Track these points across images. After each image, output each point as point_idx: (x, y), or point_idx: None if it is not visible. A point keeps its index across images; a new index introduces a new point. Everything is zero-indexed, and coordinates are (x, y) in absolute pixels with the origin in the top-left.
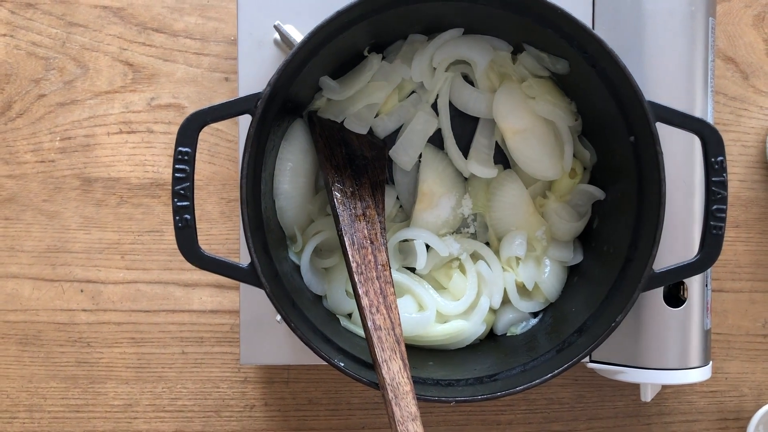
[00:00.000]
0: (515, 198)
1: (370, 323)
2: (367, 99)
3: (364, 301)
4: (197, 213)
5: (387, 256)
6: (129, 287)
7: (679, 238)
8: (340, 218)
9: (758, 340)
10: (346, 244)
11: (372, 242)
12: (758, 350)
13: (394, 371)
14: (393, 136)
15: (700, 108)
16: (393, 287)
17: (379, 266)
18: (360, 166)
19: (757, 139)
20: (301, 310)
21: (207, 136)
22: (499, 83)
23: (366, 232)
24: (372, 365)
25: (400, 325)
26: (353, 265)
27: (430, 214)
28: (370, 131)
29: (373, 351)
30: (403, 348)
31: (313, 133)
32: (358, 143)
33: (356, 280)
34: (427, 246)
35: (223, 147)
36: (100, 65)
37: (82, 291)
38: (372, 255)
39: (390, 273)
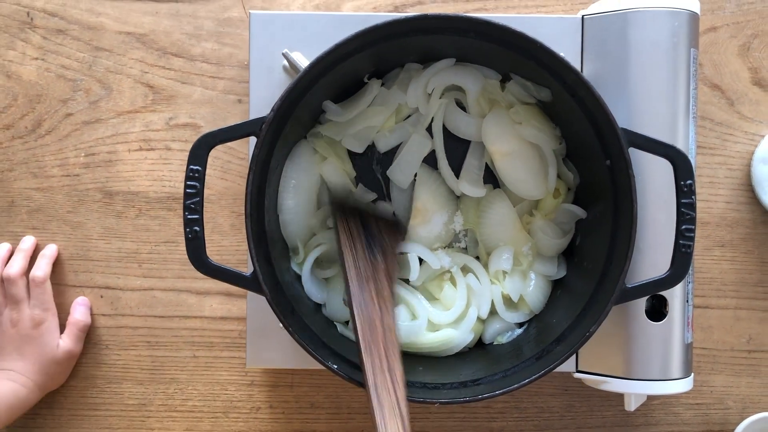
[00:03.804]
0: (503, 216)
1: (371, 382)
2: (367, 122)
3: (367, 364)
4: (210, 226)
5: (394, 319)
6: (145, 294)
7: (662, 255)
8: (350, 280)
9: (742, 355)
10: (354, 306)
11: (380, 307)
12: (742, 365)
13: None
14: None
15: (682, 134)
16: (398, 350)
17: (386, 329)
18: (375, 238)
19: (742, 163)
20: (300, 316)
21: (220, 153)
22: (489, 109)
23: (374, 294)
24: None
25: (403, 386)
26: (359, 331)
27: (423, 229)
28: (394, 215)
29: (372, 411)
30: (405, 409)
31: (334, 216)
32: (376, 225)
33: (361, 344)
34: (421, 259)
35: (236, 164)
36: (123, 87)
37: (101, 297)
38: (379, 318)
39: (395, 337)
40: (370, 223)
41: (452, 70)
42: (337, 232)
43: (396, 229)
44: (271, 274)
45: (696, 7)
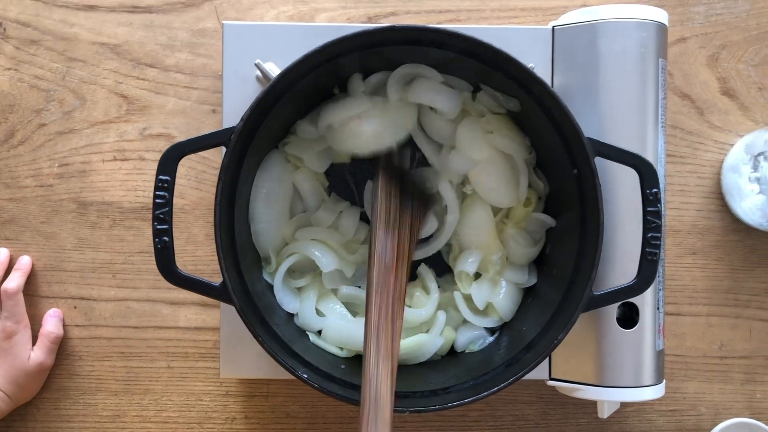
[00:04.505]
0: (482, 220)
1: (373, 321)
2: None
3: (375, 303)
4: (184, 236)
5: (407, 276)
6: (119, 304)
7: (631, 263)
8: (378, 222)
9: (714, 361)
10: (375, 245)
11: (398, 258)
12: (714, 371)
13: (380, 375)
14: None
15: (651, 143)
16: (403, 306)
17: (398, 282)
18: (408, 197)
19: (712, 171)
20: (271, 326)
21: (195, 164)
22: (461, 119)
23: (396, 244)
24: (334, 378)
25: (399, 339)
26: (375, 271)
27: None
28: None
29: (366, 349)
30: (396, 362)
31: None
32: (412, 187)
33: (373, 284)
34: None
35: (210, 174)
36: (96, 97)
37: (75, 307)
38: (394, 268)
39: (404, 294)
40: (408, 183)
41: (430, 87)
42: (378, 178)
43: (428, 199)
44: (241, 283)
45: (664, 19)
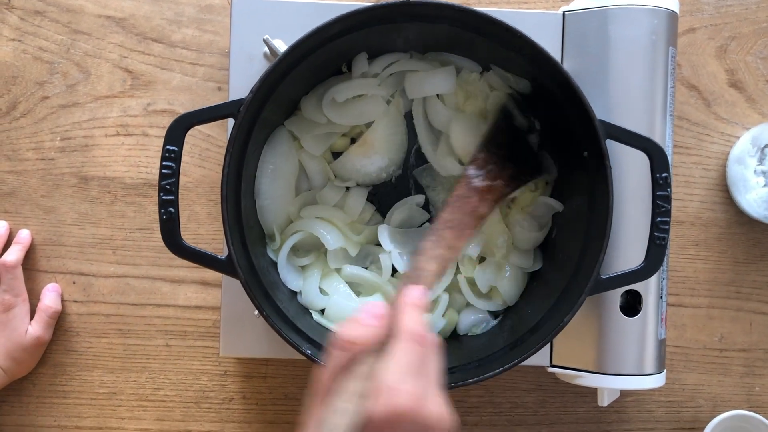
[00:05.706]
0: None
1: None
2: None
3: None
4: (187, 213)
5: (485, 215)
6: (119, 281)
7: (636, 252)
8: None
9: (714, 354)
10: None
11: (484, 192)
12: (714, 363)
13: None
14: None
15: (659, 130)
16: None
17: (479, 211)
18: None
19: (717, 163)
20: (275, 302)
21: (198, 141)
22: (465, 100)
23: (487, 183)
24: None
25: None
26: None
27: (359, 161)
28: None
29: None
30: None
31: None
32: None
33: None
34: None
35: (213, 152)
36: (101, 71)
37: (74, 283)
38: (477, 200)
39: (478, 222)
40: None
41: (422, 78)
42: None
43: (536, 166)
44: (246, 258)
45: (675, 6)
